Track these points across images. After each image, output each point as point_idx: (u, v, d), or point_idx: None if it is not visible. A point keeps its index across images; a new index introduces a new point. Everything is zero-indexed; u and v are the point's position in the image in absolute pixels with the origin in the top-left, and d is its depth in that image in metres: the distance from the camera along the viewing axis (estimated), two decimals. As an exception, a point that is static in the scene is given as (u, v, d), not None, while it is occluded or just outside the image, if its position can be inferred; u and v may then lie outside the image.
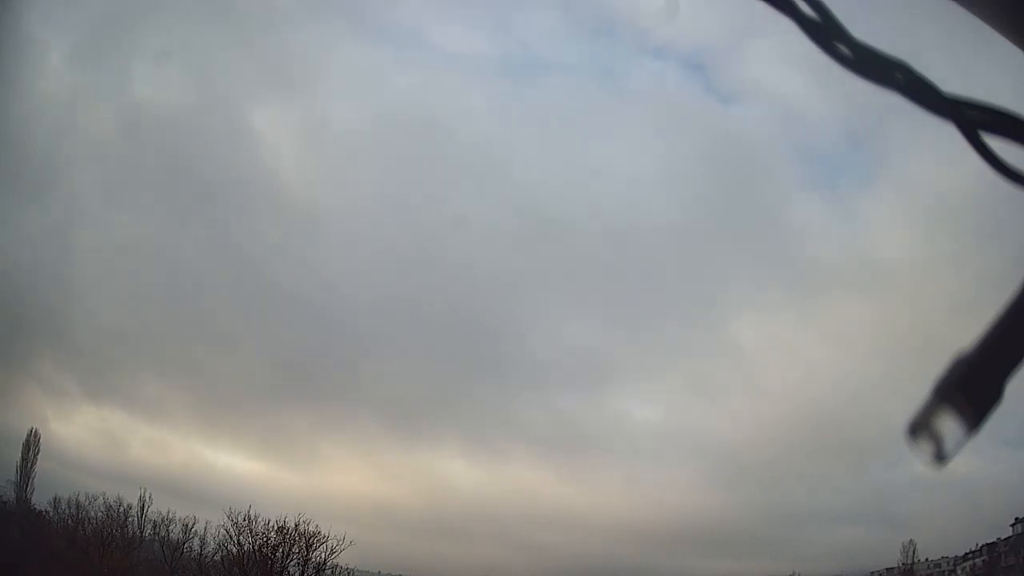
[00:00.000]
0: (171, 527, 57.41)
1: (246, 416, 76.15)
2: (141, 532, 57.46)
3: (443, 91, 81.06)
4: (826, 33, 1.70)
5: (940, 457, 1.58)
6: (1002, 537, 59.65)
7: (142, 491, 57.83)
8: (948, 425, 1.59)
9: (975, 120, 1.70)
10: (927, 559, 62.77)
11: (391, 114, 77.97)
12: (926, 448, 1.59)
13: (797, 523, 71.69)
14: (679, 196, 79.74)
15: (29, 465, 57.13)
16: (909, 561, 61.86)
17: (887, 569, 63.45)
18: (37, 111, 63.71)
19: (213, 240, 75.10)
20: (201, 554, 57.62)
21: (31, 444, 57.43)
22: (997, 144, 1.70)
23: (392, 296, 74.50)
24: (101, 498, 56.37)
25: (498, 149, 78.86)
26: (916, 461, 1.60)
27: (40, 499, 57.36)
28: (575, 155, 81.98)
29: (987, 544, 60.71)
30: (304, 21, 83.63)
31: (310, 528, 55.16)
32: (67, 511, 56.62)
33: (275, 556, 54.72)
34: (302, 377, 73.51)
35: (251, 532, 54.76)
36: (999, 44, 1.84)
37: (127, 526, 56.69)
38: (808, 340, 78.79)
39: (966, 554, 62.04)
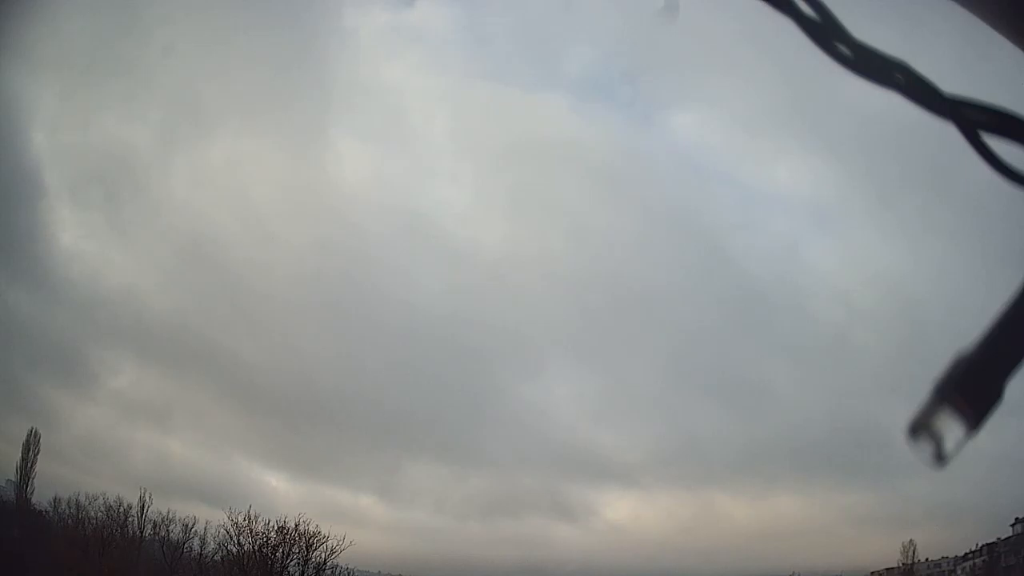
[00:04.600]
0: (171, 527, 57.49)
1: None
2: (141, 532, 57.44)
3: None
4: (826, 33, 1.70)
5: (940, 457, 1.58)
6: (1002, 537, 59.62)
7: (142, 491, 57.89)
8: (948, 425, 1.59)
9: (975, 120, 1.70)
10: (927, 559, 62.73)
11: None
12: (926, 448, 1.59)
13: (796, 523, 71.76)
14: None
15: (29, 465, 57.16)
16: (909, 561, 61.83)
17: (887, 569, 63.39)
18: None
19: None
20: (201, 554, 57.61)
21: (31, 444, 57.45)
22: (997, 144, 1.70)
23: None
24: (101, 498, 56.43)
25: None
26: (917, 461, 1.60)
27: (40, 499, 57.44)
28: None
29: (987, 544, 60.65)
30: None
31: (310, 528, 55.29)
32: (67, 511, 56.65)
33: (275, 556, 54.74)
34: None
35: (251, 532, 54.84)
36: (999, 44, 1.84)
37: (127, 526, 56.69)
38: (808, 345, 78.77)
39: (966, 554, 61.99)
